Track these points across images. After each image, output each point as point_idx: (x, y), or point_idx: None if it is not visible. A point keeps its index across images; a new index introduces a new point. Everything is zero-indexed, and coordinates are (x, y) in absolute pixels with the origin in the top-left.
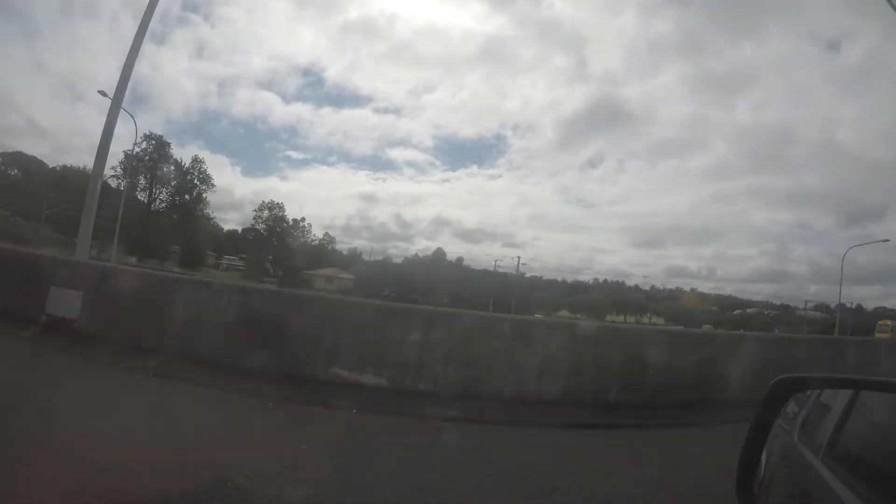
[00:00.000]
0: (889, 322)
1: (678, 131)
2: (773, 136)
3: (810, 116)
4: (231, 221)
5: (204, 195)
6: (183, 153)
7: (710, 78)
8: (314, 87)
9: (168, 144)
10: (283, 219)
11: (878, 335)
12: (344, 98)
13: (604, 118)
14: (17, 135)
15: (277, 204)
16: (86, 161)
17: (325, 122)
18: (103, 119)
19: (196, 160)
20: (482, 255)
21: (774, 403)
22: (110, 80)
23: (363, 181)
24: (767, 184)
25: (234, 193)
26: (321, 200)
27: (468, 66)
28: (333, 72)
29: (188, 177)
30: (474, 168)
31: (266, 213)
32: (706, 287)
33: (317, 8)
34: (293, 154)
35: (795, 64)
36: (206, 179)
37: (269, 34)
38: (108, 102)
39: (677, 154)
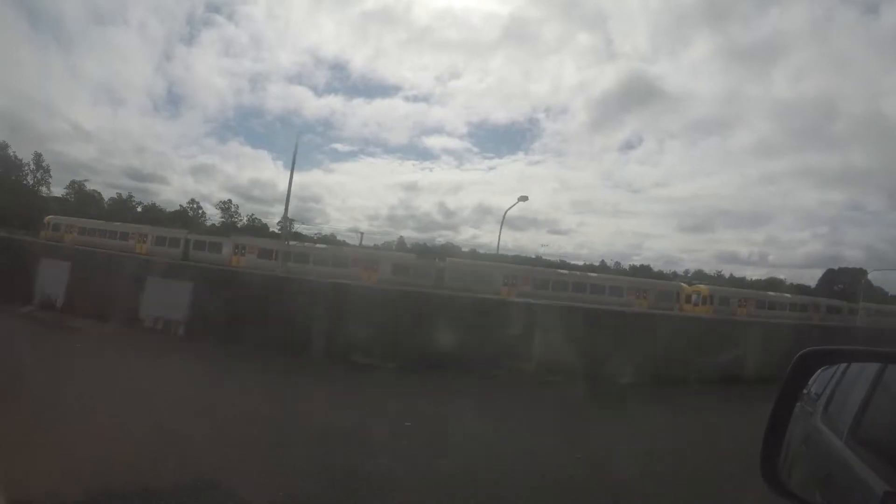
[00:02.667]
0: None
1: (715, 108)
2: (816, 109)
3: (854, 87)
4: (276, 214)
5: (49, 179)
6: (224, 150)
7: (742, 49)
8: (342, 79)
9: (7, 146)
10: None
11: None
12: (372, 88)
13: (636, 97)
14: (64, 139)
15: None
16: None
17: (357, 114)
18: (144, 121)
19: (36, 154)
20: (529, 243)
21: (800, 377)
22: (144, 84)
23: (403, 171)
24: (815, 162)
25: (278, 187)
26: (364, 191)
27: (492, 50)
28: (359, 63)
29: (23, 169)
30: (511, 154)
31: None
32: (758, 274)
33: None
34: (333, 146)
35: (831, 30)
36: (46, 169)
37: (292, 29)
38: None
39: (717, 132)
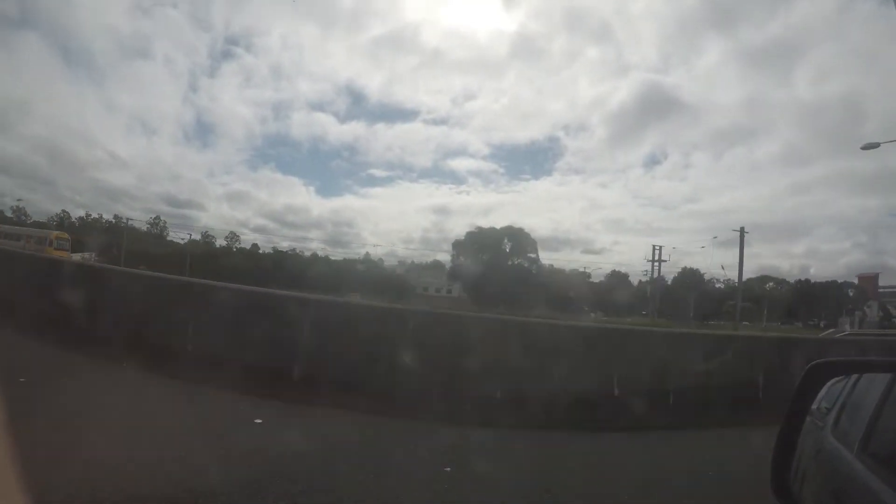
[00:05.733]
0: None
1: (737, 116)
2: (843, 111)
3: (880, 84)
4: (315, 240)
5: None
6: (256, 177)
7: (756, 51)
8: (361, 105)
9: None
10: None
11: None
12: (391, 113)
13: (654, 110)
14: (103, 167)
15: None
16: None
17: (380, 139)
18: (177, 150)
19: None
20: (565, 264)
21: (809, 390)
22: (174, 114)
23: (433, 194)
24: (848, 167)
25: (312, 213)
26: (396, 215)
27: (503, 69)
28: (375, 89)
29: None
30: (537, 174)
31: None
32: None
33: (342, 28)
34: (362, 172)
35: (848, 24)
36: None
37: (306, 58)
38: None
39: (742, 142)
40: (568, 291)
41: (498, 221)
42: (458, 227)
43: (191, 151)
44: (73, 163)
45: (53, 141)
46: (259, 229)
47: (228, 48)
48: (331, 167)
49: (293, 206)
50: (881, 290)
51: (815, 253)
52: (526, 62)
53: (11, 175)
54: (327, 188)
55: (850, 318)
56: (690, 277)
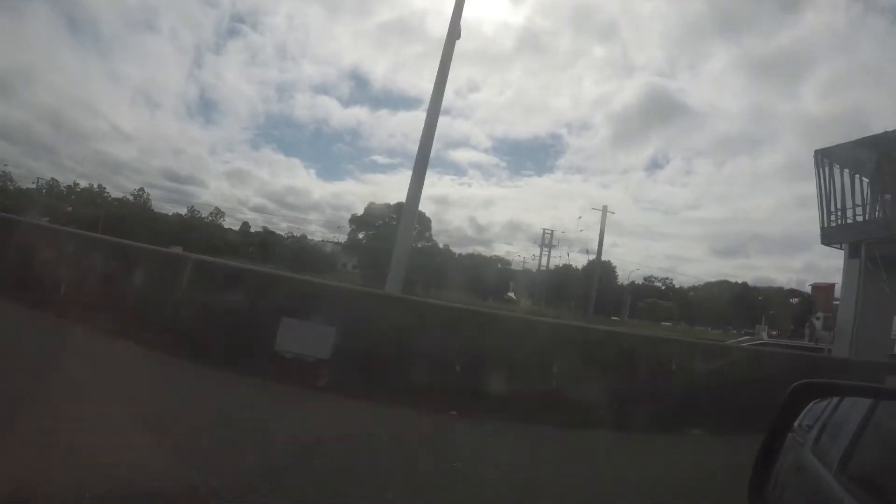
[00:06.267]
0: None
1: (742, 125)
2: (850, 126)
3: (889, 101)
4: (314, 223)
5: None
6: (257, 156)
7: (763, 62)
8: (365, 90)
9: None
10: None
11: None
12: (395, 100)
13: (658, 113)
14: (105, 139)
15: None
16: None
17: (383, 125)
18: (180, 125)
19: None
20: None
21: (792, 410)
22: (178, 89)
23: (434, 184)
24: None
25: (312, 195)
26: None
27: (508, 62)
28: (380, 75)
29: None
30: (538, 170)
31: None
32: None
33: (348, 11)
34: (364, 157)
35: (857, 40)
36: None
37: (312, 39)
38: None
39: (746, 151)
40: (473, 275)
41: (498, 215)
42: (458, 219)
43: (193, 127)
44: (76, 133)
45: (57, 110)
46: (259, 209)
47: (234, 25)
48: (333, 151)
49: (294, 187)
50: (837, 303)
51: (813, 268)
52: (531, 57)
53: (14, 142)
54: (328, 172)
55: (765, 327)
56: (602, 270)
